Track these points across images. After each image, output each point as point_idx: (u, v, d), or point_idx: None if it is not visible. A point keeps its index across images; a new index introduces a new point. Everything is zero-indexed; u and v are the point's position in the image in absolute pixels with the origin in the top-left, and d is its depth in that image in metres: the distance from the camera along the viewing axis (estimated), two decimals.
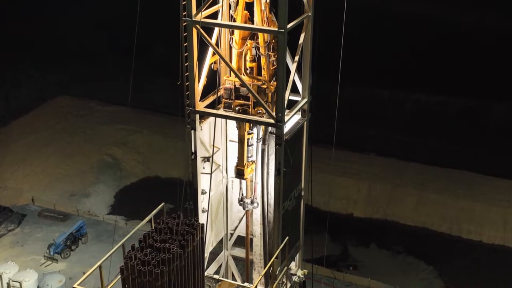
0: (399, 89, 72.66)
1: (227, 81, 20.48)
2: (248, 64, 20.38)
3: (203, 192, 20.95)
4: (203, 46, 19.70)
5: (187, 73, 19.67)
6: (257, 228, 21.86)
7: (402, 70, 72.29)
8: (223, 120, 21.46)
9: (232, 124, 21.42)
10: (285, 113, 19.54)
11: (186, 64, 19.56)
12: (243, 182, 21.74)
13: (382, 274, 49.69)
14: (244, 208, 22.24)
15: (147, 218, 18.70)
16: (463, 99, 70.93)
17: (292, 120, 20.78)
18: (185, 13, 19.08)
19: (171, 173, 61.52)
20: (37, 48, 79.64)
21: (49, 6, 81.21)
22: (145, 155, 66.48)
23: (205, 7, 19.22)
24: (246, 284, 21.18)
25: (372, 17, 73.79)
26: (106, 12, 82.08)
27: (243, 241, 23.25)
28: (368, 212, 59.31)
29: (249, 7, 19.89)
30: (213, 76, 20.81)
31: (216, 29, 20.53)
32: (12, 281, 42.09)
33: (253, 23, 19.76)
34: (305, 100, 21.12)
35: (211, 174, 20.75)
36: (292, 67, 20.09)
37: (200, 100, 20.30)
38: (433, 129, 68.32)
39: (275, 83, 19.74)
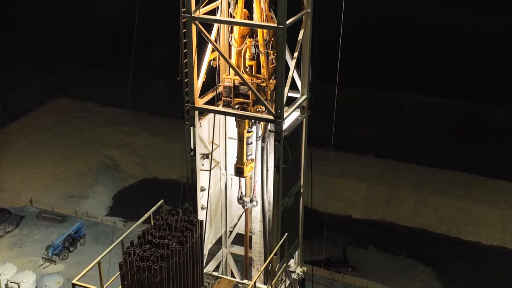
0: (397, 91, 72.77)
1: (226, 79, 20.49)
2: (248, 63, 20.37)
3: (202, 189, 20.95)
4: (202, 43, 19.73)
5: (186, 70, 19.70)
6: (256, 226, 21.86)
7: (400, 72, 72.38)
8: (222, 117, 21.48)
9: (231, 121, 21.42)
10: (284, 110, 19.56)
11: (185, 61, 19.60)
12: (242, 180, 21.72)
13: (380, 275, 49.71)
14: (243, 207, 22.23)
15: (146, 215, 18.76)
16: (461, 100, 71.09)
17: (291, 116, 20.77)
18: (184, 9, 19.12)
19: (170, 175, 61.57)
20: (35, 49, 79.61)
21: (47, 8, 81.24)
22: (143, 156, 66.45)
23: (204, 3, 19.25)
24: (245, 281, 21.17)
25: (370, 18, 73.88)
26: (105, 13, 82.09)
27: (242, 239, 23.24)
28: (366, 213, 59.29)
29: (248, 5, 19.89)
30: (212, 73, 20.83)
31: (215, 28, 20.54)
32: (10, 282, 42.05)
33: None
34: (304, 96, 21.13)
35: (210, 171, 20.76)
36: (291, 63, 20.10)
37: (199, 97, 20.33)
38: (431, 131, 68.40)
39: (274, 81, 19.76)
